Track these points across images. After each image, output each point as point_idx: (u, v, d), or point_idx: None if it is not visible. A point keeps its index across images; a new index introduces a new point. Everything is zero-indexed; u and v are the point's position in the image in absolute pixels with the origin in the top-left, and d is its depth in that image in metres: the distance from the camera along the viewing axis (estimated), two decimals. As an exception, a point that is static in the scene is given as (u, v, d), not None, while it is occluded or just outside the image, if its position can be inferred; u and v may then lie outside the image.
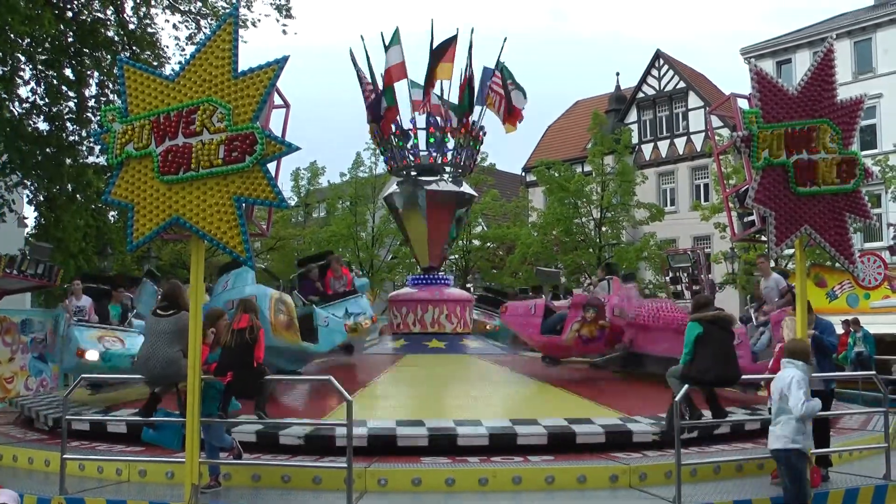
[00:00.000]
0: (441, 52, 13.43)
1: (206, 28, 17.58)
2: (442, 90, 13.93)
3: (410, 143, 13.78)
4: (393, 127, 13.77)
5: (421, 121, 13.93)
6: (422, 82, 13.70)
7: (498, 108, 13.92)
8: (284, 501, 6.72)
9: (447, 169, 13.97)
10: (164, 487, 7.10)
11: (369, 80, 13.91)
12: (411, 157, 13.88)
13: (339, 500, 6.25)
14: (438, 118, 13.76)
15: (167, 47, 18.80)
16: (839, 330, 16.49)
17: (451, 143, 13.89)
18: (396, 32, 13.60)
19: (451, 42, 13.51)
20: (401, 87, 13.78)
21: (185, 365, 6.45)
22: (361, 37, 13.92)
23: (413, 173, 14.01)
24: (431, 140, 13.75)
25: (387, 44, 13.60)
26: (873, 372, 10.38)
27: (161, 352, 7.00)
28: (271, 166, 5.82)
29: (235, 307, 8.59)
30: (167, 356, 6.96)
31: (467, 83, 13.66)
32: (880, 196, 26.79)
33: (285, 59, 5.78)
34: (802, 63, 30.43)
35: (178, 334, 6.81)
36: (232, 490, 7.08)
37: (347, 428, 6.45)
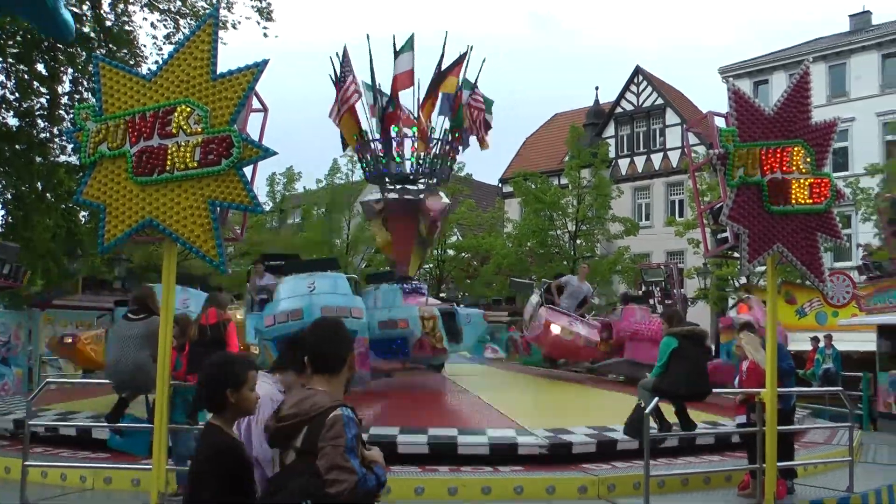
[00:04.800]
0: (451, 67, 13.66)
1: (184, 28, 17.35)
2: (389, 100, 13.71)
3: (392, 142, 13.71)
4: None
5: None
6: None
7: (476, 123, 13.93)
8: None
9: (422, 178, 13.89)
10: (130, 495, 6.97)
11: (355, 81, 13.72)
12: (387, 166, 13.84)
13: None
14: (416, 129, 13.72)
15: (144, 46, 18.48)
16: (807, 346, 16.76)
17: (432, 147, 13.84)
18: (411, 39, 13.43)
19: (461, 59, 13.75)
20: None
21: (155, 369, 6.34)
22: (367, 35, 13.75)
23: (387, 181, 13.96)
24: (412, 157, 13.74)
25: (397, 49, 13.40)
26: (839, 388, 10.55)
27: (130, 356, 6.88)
28: (247, 170, 5.75)
29: (205, 302, 8.43)
30: (137, 361, 6.84)
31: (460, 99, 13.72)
32: (850, 217, 27.28)
33: (265, 62, 5.71)
34: (779, 84, 30.92)
35: (149, 338, 6.67)
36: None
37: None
